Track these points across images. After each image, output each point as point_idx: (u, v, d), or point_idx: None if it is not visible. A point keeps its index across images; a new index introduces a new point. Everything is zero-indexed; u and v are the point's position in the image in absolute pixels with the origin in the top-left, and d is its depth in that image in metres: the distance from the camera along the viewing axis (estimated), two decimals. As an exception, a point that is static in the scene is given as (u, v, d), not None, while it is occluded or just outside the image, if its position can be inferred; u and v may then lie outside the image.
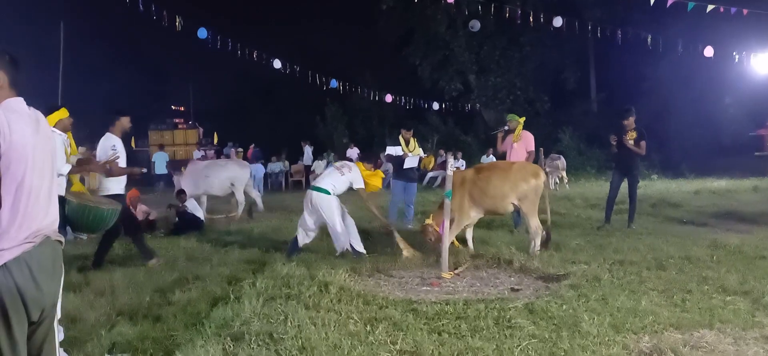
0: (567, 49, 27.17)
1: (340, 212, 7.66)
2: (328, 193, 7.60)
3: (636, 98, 26.15)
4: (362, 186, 7.89)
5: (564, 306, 5.00)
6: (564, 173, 18.18)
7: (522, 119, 9.97)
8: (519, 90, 27.45)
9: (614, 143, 9.87)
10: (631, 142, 9.64)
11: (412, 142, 10.59)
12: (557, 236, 8.63)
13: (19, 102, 2.80)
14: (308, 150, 24.78)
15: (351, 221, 7.75)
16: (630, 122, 9.75)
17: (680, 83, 22.59)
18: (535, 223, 7.56)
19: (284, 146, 25.09)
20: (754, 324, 4.55)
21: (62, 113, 6.72)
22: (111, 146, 7.15)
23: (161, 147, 23.26)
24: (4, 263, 2.56)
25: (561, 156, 18.49)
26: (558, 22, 16.57)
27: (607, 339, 4.25)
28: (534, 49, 27.09)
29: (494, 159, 22.26)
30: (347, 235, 7.59)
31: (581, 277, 6.06)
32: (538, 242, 7.51)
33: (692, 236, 8.65)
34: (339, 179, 7.80)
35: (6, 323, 2.57)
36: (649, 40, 17.21)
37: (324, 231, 7.97)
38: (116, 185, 7.20)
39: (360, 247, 7.63)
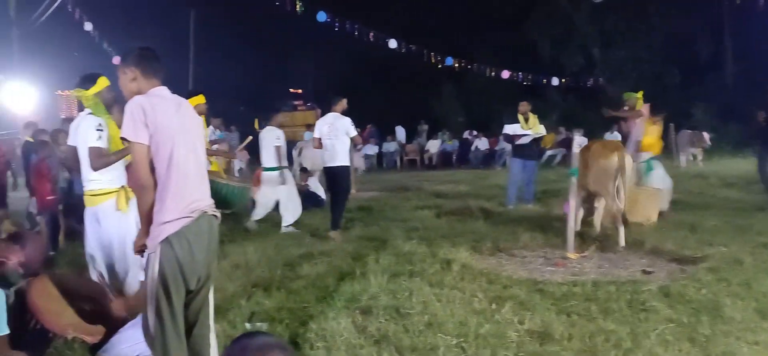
0: (699, 17, 25.19)
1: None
2: None
3: (778, 69, 23.98)
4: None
5: (703, 290, 4.73)
6: (700, 150, 16.99)
7: (640, 95, 9.33)
8: (646, 63, 25.83)
9: (763, 120, 9.06)
10: None
11: (532, 118, 10.22)
12: (692, 217, 8.14)
13: (161, 89, 3.04)
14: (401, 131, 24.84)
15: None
16: None
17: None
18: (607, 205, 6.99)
19: (398, 125, 25.28)
20: None
21: (199, 99, 7.15)
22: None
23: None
24: (166, 237, 2.79)
25: (699, 132, 17.21)
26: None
27: (752, 325, 3.98)
28: (663, 19, 25.36)
29: (619, 137, 21.30)
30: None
31: (720, 260, 5.69)
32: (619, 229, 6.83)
33: None
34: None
35: (167, 292, 2.82)
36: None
37: None
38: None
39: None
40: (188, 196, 2.89)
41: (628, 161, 7.10)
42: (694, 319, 4.11)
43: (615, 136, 18.20)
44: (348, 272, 5.57)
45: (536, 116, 10.33)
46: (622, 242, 6.69)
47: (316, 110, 29.77)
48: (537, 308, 4.41)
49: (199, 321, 3.05)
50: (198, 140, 3.08)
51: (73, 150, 4.52)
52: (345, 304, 4.54)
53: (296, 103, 30.49)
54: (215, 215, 3.07)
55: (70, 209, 7.80)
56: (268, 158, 8.54)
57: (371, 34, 18.42)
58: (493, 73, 23.11)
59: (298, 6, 16.00)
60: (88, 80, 4.53)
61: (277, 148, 8.40)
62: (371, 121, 24.00)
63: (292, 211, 8.54)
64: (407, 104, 30.13)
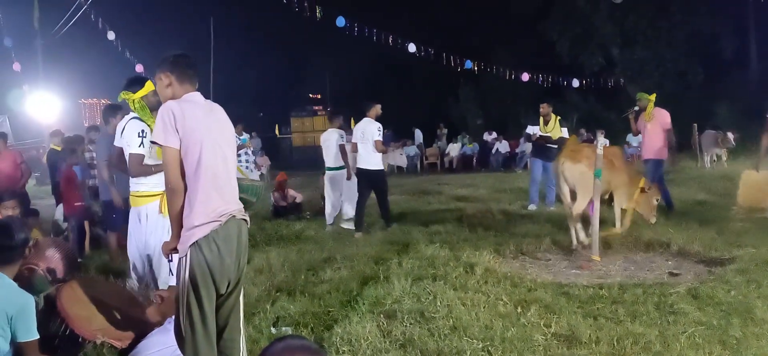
0: (723, 15, 24.84)
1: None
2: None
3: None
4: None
5: (732, 292, 4.66)
6: (725, 151, 16.71)
7: (652, 96, 9.25)
8: (669, 62, 25.46)
9: None
10: None
11: (553, 120, 10.07)
12: (718, 218, 8.02)
13: (194, 95, 3.07)
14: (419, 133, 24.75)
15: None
16: None
17: None
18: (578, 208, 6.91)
19: (416, 128, 25.24)
20: None
21: None
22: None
23: None
24: (196, 241, 2.82)
25: (723, 132, 16.92)
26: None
27: (784, 327, 3.89)
28: (685, 17, 25.03)
29: (641, 138, 21.04)
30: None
31: (749, 261, 5.60)
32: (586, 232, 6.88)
33: None
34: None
35: (197, 295, 2.84)
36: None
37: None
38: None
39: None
40: (217, 200, 2.91)
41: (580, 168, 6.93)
42: (725, 321, 4.05)
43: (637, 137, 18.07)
44: (371, 276, 5.56)
45: (558, 118, 10.19)
46: (575, 241, 6.85)
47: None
48: (563, 311, 4.37)
49: (229, 324, 3.08)
50: (227, 145, 3.10)
51: (120, 151, 4.60)
52: (369, 308, 4.54)
53: (316, 108, 30.63)
54: (245, 220, 3.09)
55: (95, 216, 7.92)
56: (331, 158, 9.21)
57: (390, 38, 18.41)
58: (512, 76, 22.96)
59: (317, 11, 16.04)
60: (136, 83, 4.62)
61: (341, 147, 9.01)
62: (390, 124, 23.99)
63: (352, 205, 8.97)
64: (426, 107, 30.11)
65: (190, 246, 2.84)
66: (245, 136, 11.73)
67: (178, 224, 2.91)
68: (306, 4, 15.15)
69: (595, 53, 26.44)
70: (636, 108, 9.49)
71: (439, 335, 3.98)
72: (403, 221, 9.16)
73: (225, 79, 27.73)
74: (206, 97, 3.19)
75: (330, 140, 9.21)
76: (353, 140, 8.71)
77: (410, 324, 4.19)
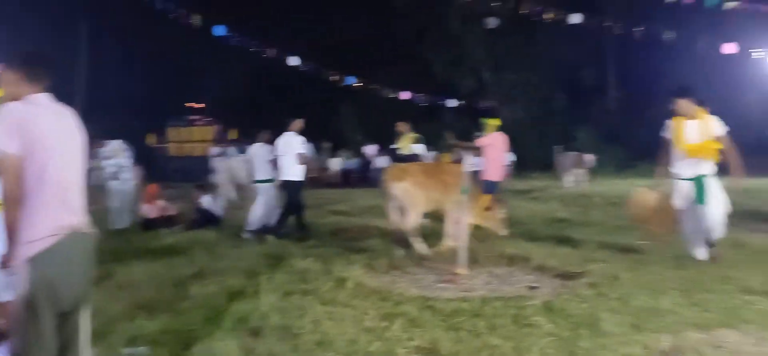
0: (584, 45, 26.90)
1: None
2: None
3: (656, 96, 25.87)
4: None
5: (583, 305, 4.96)
6: (584, 171, 17.97)
7: (494, 121, 9.73)
8: (535, 87, 27.20)
9: None
10: None
11: (405, 137, 10.66)
12: (577, 234, 8.58)
13: (42, 97, 2.84)
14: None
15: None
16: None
17: (701, 81, 22.16)
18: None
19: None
20: (778, 325, 4.48)
21: None
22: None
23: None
24: (36, 254, 2.60)
25: (583, 154, 18.20)
26: (575, 18, 16.46)
27: (627, 338, 4.19)
28: (550, 46, 26.84)
29: (511, 157, 22.20)
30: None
31: (600, 276, 6.00)
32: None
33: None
34: None
35: (35, 313, 2.61)
36: (668, 36, 17.05)
37: None
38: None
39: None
40: (61, 211, 2.71)
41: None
42: (574, 333, 4.30)
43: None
44: (240, 291, 5.43)
45: (414, 136, 10.75)
46: (422, 252, 7.36)
47: (216, 126, 29.14)
48: (427, 325, 4.47)
49: (71, 345, 2.85)
50: (77, 153, 2.90)
51: None
52: (234, 325, 4.41)
53: (193, 118, 29.60)
54: (91, 233, 2.89)
55: None
56: (261, 171, 9.55)
57: (271, 50, 18.20)
58: (391, 93, 23.48)
59: (196, 19, 15.54)
60: None
61: (272, 161, 9.37)
62: (273, 138, 23.62)
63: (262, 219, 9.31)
64: (308, 121, 30.03)
65: (30, 260, 2.61)
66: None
67: (15, 236, 2.67)
68: (184, 12, 14.62)
69: (468, 76, 27.63)
70: (479, 133, 10.01)
71: (304, 350, 3.95)
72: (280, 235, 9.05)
73: (98, 85, 26.22)
74: (71, 104, 2.97)
75: (259, 154, 9.66)
76: (279, 154, 9.12)
77: (275, 340, 4.12)
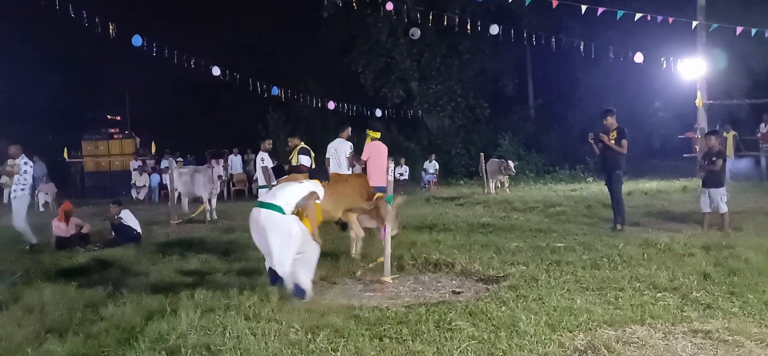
0: (505, 56, 27.75)
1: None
2: (282, 211, 5.94)
3: (571, 104, 27.04)
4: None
5: (503, 307, 5.10)
6: (506, 177, 18.39)
7: (375, 133, 10.21)
8: (459, 97, 27.78)
9: (592, 141, 10.03)
10: (613, 141, 9.74)
11: (295, 152, 10.54)
12: (497, 239, 8.79)
13: None
14: (237, 160, 24.05)
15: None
16: (610, 121, 9.85)
17: (613, 88, 23.37)
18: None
19: (231, 154, 24.56)
20: (683, 319, 4.74)
21: None
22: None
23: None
24: None
25: (506, 160, 18.64)
26: (495, 29, 16.94)
27: (543, 338, 4.34)
28: (473, 56, 27.48)
29: (437, 166, 22.57)
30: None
31: (519, 278, 6.19)
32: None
33: (625, 235, 8.93)
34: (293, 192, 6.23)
35: None
36: (582, 47, 17.81)
37: None
38: None
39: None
40: None
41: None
42: (494, 335, 4.41)
43: (434, 164, 19.31)
44: (158, 309, 5.24)
45: (300, 147, 10.81)
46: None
47: (135, 139, 28.12)
48: (352, 335, 4.46)
49: None
50: None
51: None
52: (150, 345, 4.26)
53: (112, 131, 28.42)
54: None
55: None
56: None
57: (193, 60, 17.76)
58: (319, 103, 23.40)
59: (111, 28, 14.96)
60: None
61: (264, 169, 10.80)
62: (196, 150, 23.06)
63: None
64: (234, 132, 29.50)
65: None
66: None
67: None
68: (97, 20, 14.07)
69: (396, 86, 27.93)
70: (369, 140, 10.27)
71: (224, 368, 3.86)
72: (203, 250, 8.84)
73: (8, 95, 24.88)
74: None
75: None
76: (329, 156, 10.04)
77: (194, 359, 4.01)
